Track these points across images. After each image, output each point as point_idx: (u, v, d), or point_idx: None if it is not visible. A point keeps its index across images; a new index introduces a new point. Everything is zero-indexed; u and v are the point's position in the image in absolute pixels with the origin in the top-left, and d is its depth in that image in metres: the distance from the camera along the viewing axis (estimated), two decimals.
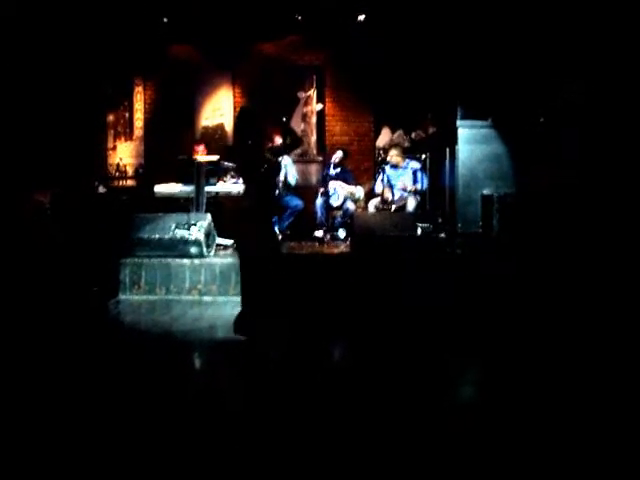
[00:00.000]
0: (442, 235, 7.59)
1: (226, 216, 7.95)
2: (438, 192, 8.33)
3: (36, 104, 9.43)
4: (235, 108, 10.89)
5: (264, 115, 9.59)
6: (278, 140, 8.66)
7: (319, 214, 8.92)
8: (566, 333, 5.13)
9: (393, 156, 8.80)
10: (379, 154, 10.06)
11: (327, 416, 3.48)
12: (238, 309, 5.25)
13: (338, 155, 9.24)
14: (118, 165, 11.11)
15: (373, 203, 8.76)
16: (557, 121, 6.91)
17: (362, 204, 9.10)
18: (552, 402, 3.68)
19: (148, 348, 5.11)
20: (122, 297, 6.89)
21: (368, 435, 3.20)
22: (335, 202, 8.93)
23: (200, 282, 6.90)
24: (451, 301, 6.01)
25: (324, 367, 4.66)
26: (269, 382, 4.15)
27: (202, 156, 8.85)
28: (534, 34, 7.19)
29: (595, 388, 3.91)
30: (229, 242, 7.80)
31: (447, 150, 8.00)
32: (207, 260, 7.00)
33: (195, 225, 7.09)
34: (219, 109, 11.05)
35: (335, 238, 8.81)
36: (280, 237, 8.77)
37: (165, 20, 10.03)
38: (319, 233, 8.74)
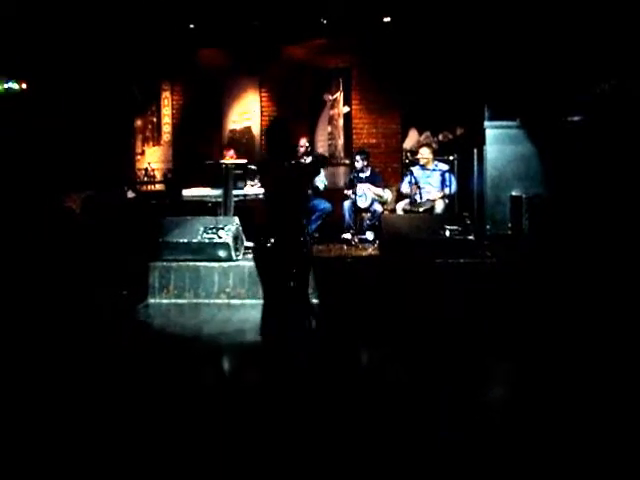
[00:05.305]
0: (471, 237, 7.52)
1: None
2: (466, 193, 8.26)
3: (65, 110, 9.56)
4: (262, 111, 10.94)
5: (292, 120, 9.69)
6: (302, 141, 8.61)
7: (347, 216, 8.87)
8: (597, 334, 5.06)
9: (424, 154, 8.68)
10: (406, 156, 10.00)
11: (350, 417, 3.48)
12: None
13: (360, 157, 8.99)
14: (146, 170, 11.20)
15: (401, 205, 8.71)
16: (586, 120, 6.83)
17: (390, 206, 9.05)
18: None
19: (177, 351, 5.15)
20: (151, 301, 6.93)
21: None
22: (362, 203, 8.86)
23: (228, 285, 6.92)
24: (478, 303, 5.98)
25: (351, 370, 4.66)
26: (296, 384, 4.15)
27: (230, 160, 8.86)
28: (562, 33, 7.11)
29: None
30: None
31: (475, 151, 7.94)
32: (235, 263, 7.01)
33: (223, 229, 7.10)
34: (246, 112, 11.09)
35: (363, 240, 8.77)
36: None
37: (192, 26, 10.09)
38: (347, 235, 8.71)
